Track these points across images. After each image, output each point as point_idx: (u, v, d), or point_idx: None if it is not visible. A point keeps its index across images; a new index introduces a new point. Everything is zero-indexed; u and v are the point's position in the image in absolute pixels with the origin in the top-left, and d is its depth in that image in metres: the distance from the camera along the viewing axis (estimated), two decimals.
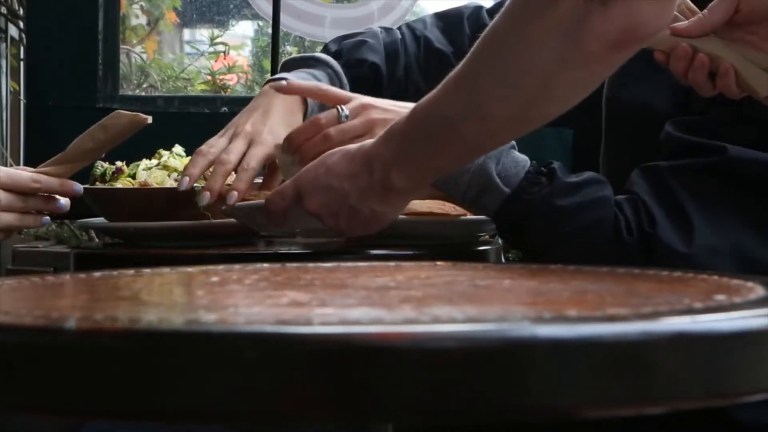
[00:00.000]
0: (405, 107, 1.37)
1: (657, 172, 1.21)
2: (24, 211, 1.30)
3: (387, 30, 1.70)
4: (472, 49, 0.98)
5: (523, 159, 1.25)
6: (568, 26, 0.90)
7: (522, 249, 1.37)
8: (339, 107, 1.41)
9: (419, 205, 1.48)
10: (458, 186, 1.25)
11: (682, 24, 1.16)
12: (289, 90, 1.53)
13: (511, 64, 0.94)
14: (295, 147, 1.39)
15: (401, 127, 1.07)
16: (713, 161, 1.18)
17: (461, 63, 0.99)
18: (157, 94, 3.84)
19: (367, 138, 1.37)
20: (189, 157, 1.67)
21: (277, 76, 1.58)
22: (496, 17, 0.95)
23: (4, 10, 4.00)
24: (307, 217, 1.18)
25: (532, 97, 0.96)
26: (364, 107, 1.41)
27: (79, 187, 1.34)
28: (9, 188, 1.28)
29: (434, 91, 1.02)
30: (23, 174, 1.30)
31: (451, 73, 1.00)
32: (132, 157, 1.69)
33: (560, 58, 0.92)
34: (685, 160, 1.20)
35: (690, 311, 0.62)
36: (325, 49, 1.70)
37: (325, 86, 1.52)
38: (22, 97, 3.93)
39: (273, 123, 1.52)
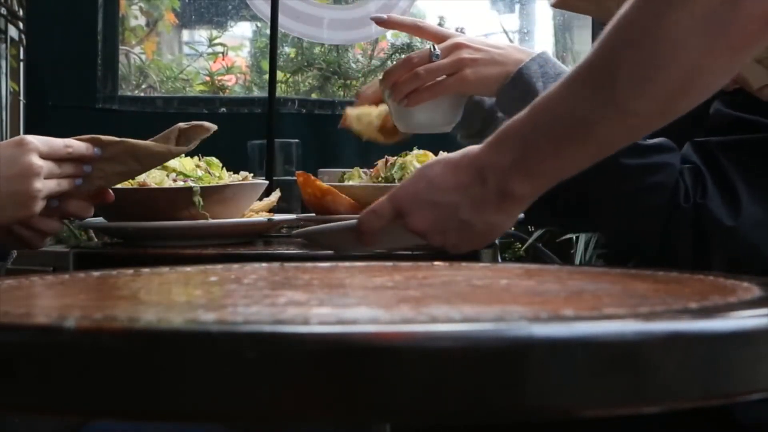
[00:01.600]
0: (498, 47, 1.40)
1: (708, 147, 1.21)
2: (60, 177, 1.33)
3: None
4: (601, 42, 0.92)
5: None
6: (719, 11, 0.85)
7: (567, 211, 1.31)
8: (432, 46, 1.41)
9: None
10: None
11: None
12: (387, 23, 1.52)
13: (652, 57, 0.88)
14: (389, 84, 1.41)
15: (518, 131, 0.99)
16: (762, 137, 1.18)
17: (589, 57, 0.93)
18: (156, 94, 3.84)
19: (454, 77, 1.39)
20: (188, 158, 1.68)
21: None
22: (627, 7, 0.90)
23: (3, 11, 4.00)
24: (403, 236, 1.10)
25: (676, 91, 0.90)
26: (456, 46, 1.40)
27: (99, 150, 1.36)
28: (47, 156, 1.30)
29: (557, 89, 0.95)
30: (57, 141, 1.33)
31: (577, 69, 0.94)
32: None
33: (708, 47, 0.87)
34: (735, 137, 1.20)
35: (686, 311, 0.62)
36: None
37: (423, 22, 1.50)
38: (21, 97, 3.93)
39: None
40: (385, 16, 1.50)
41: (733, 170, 1.19)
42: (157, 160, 1.43)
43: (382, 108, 1.54)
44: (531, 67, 1.34)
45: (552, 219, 1.39)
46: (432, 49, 1.39)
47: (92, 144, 1.36)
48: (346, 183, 1.63)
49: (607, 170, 1.16)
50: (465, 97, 1.42)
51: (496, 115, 1.45)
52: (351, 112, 1.56)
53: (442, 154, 1.14)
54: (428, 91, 1.39)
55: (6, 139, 3.86)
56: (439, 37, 1.44)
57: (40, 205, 1.29)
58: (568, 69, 1.32)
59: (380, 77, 1.46)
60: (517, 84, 1.34)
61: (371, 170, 1.66)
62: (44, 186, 1.30)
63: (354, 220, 1.13)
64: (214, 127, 1.45)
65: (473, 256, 1.55)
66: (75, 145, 1.34)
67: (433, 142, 1.82)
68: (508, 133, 1.00)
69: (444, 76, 1.38)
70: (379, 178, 1.60)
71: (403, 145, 1.67)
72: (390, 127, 1.54)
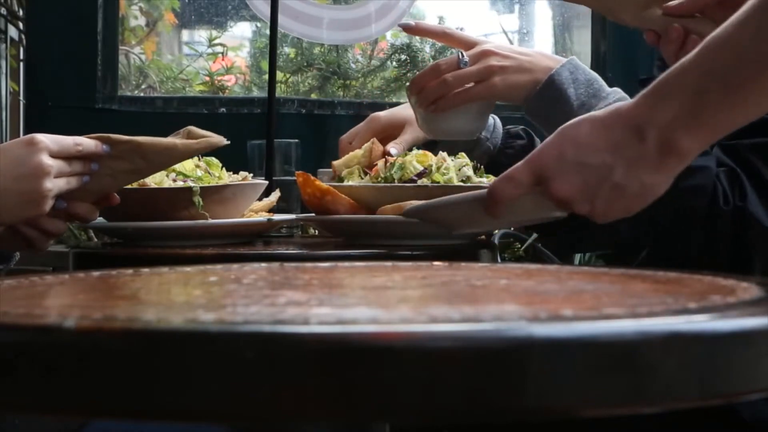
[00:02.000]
0: (526, 54, 1.41)
1: (739, 149, 1.21)
2: (70, 175, 1.34)
3: None
4: None
5: None
6: None
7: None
8: (460, 53, 1.41)
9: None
10: None
11: (675, 2, 1.15)
12: (415, 30, 1.52)
13: None
14: (416, 90, 1.41)
15: (685, 79, 0.90)
16: None
17: None
18: (155, 94, 3.84)
19: (483, 85, 1.39)
20: (187, 158, 1.68)
21: None
22: None
23: (3, 11, 3.99)
24: (538, 206, 1.02)
25: None
26: (484, 54, 1.40)
27: (107, 147, 1.37)
28: (57, 155, 1.31)
29: (732, 27, 0.87)
30: (67, 139, 1.34)
31: (753, 4, 0.86)
32: None
33: None
34: (765, 138, 1.20)
35: (685, 311, 0.62)
36: None
37: (450, 29, 1.50)
38: (21, 97, 3.93)
39: None
40: (412, 22, 1.51)
41: (767, 171, 1.19)
42: (165, 156, 1.42)
43: (365, 146, 1.61)
44: (562, 73, 1.33)
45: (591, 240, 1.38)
46: (460, 56, 1.39)
47: (101, 142, 1.37)
48: (345, 183, 1.63)
49: None
50: (492, 105, 1.42)
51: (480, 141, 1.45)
52: (337, 163, 1.64)
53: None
54: (456, 98, 1.39)
55: (6, 139, 3.86)
56: (467, 44, 1.43)
57: (49, 204, 1.30)
58: (596, 75, 1.32)
59: (369, 120, 1.49)
60: (547, 91, 1.34)
61: (371, 170, 1.66)
62: (54, 185, 1.30)
63: (481, 191, 1.04)
64: (223, 141, 1.46)
65: (473, 256, 1.56)
66: (85, 143, 1.35)
67: (430, 143, 1.83)
68: (670, 83, 0.91)
69: (472, 84, 1.38)
70: (379, 178, 1.60)
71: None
72: (376, 158, 1.60)
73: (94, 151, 1.36)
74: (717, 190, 1.19)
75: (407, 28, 1.51)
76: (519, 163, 1.01)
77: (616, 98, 1.31)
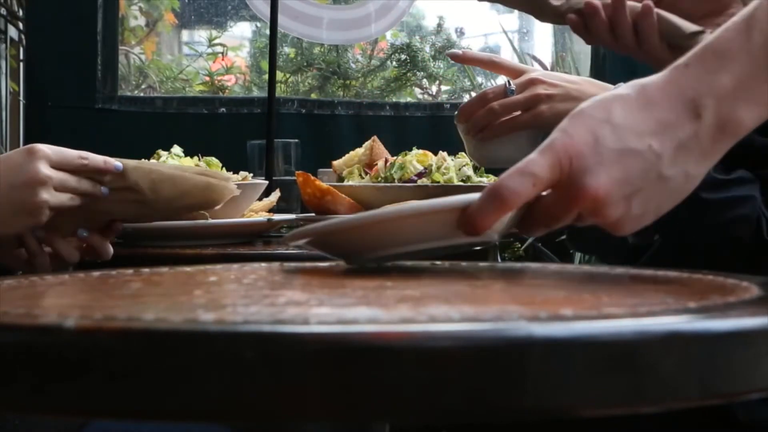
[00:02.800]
0: (573, 82, 1.39)
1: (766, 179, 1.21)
2: (75, 192, 1.29)
3: None
4: None
5: None
6: None
7: (669, 239, 1.29)
8: (508, 81, 1.40)
9: None
10: None
11: None
12: (462, 59, 1.53)
13: None
14: (464, 119, 1.40)
15: (740, 43, 0.77)
16: None
17: None
18: (155, 94, 3.84)
19: (530, 113, 1.36)
20: (187, 158, 1.68)
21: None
22: None
23: (3, 11, 4.00)
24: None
25: None
26: (531, 82, 1.39)
27: (119, 165, 1.29)
28: (58, 166, 1.27)
29: None
30: (71, 151, 1.29)
31: None
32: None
33: None
34: None
35: (685, 311, 0.62)
36: None
37: (500, 58, 1.50)
38: (21, 97, 3.93)
39: None
40: (460, 51, 1.50)
41: None
42: (171, 185, 1.33)
43: (366, 145, 1.65)
44: None
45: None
46: (507, 84, 1.39)
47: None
48: (345, 183, 1.63)
49: (689, 206, 1.07)
50: (542, 133, 1.41)
51: None
52: (337, 163, 1.67)
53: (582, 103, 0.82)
54: (503, 126, 1.38)
55: (6, 139, 3.84)
56: (514, 72, 1.43)
57: (46, 215, 1.26)
58: None
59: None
60: None
61: (371, 170, 1.66)
62: (53, 197, 1.26)
63: (467, 195, 0.82)
64: (234, 191, 1.39)
65: (473, 256, 1.56)
66: (91, 157, 1.30)
67: (430, 143, 1.83)
68: (722, 48, 0.78)
69: (519, 112, 1.37)
70: (379, 178, 1.60)
71: (398, 146, 1.68)
72: (377, 158, 1.61)
73: (103, 168, 1.30)
74: (761, 221, 1.18)
75: (455, 57, 1.51)
76: (533, 155, 0.80)
77: None
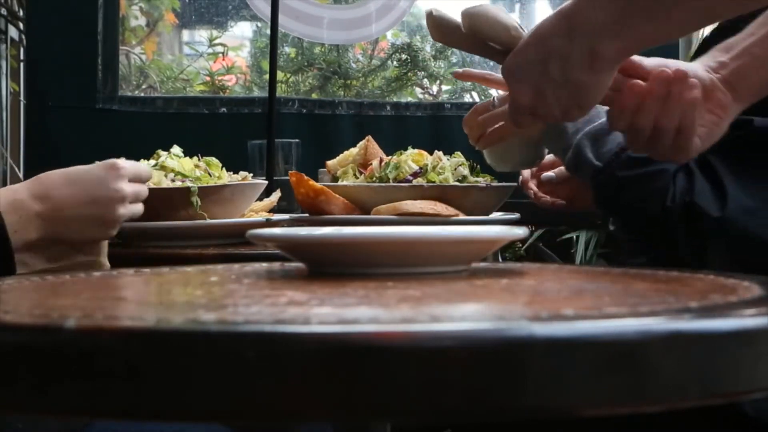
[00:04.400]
0: None
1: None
2: (138, 201, 1.36)
3: None
4: None
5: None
6: None
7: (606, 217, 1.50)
8: (496, 94, 1.57)
9: (411, 205, 1.48)
10: (564, 159, 1.41)
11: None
12: (463, 76, 1.68)
13: None
14: (465, 130, 1.53)
15: None
16: (743, 133, 1.25)
17: None
18: (156, 94, 3.84)
19: (508, 123, 1.49)
20: (187, 158, 1.68)
21: None
22: None
23: (4, 11, 4.00)
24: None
25: None
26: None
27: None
28: (134, 180, 1.34)
29: None
30: (144, 166, 1.39)
31: None
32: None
33: None
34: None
35: (687, 311, 0.62)
36: None
37: (492, 75, 1.61)
38: (21, 97, 3.93)
39: None
40: (461, 70, 1.65)
41: (720, 167, 1.27)
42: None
43: (360, 145, 1.66)
44: None
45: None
46: (493, 99, 1.52)
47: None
48: (340, 183, 1.63)
49: (607, 184, 1.33)
50: (537, 138, 1.49)
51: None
52: (331, 163, 1.69)
53: None
54: (491, 136, 1.49)
55: (6, 139, 3.84)
56: (504, 86, 1.53)
57: (118, 229, 1.32)
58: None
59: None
60: (554, 126, 1.43)
61: (365, 169, 1.66)
62: (127, 210, 1.32)
63: (433, 228, 1.01)
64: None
65: None
66: (148, 170, 1.40)
67: (431, 143, 1.83)
68: None
69: (502, 123, 1.48)
70: (374, 178, 1.60)
71: (399, 146, 1.68)
72: (371, 157, 1.61)
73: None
74: (668, 190, 1.28)
75: (457, 75, 1.68)
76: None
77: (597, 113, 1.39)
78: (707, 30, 1.32)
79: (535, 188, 1.67)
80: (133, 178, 1.33)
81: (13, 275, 1.15)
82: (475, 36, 1.19)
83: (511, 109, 1.12)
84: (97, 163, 1.32)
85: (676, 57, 2.99)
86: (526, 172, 1.68)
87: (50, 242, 1.27)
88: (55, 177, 1.28)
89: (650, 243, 1.36)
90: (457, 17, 1.21)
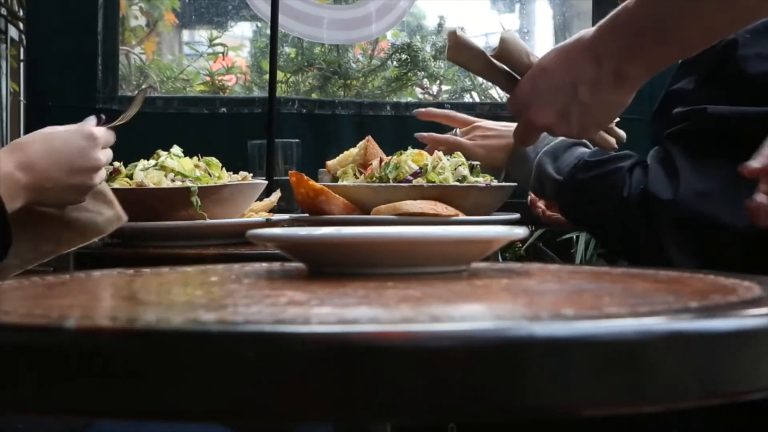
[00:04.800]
0: (509, 126, 1.66)
1: (660, 141, 1.37)
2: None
3: None
4: None
5: (582, 153, 1.45)
6: None
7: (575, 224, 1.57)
8: (455, 130, 1.76)
9: (411, 205, 1.48)
10: (528, 181, 1.50)
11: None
12: (425, 116, 1.85)
13: None
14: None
15: (628, 18, 1.07)
16: (696, 120, 1.32)
17: None
18: (156, 94, 3.84)
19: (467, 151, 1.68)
20: (187, 158, 1.68)
21: None
22: None
23: (4, 11, 4.00)
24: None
25: None
26: (473, 128, 1.73)
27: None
28: (106, 146, 1.40)
29: None
30: (112, 134, 1.44)
31: None
32: (130, 158, 1.69)
33: None
34: (677, 126, 1.35)
35: (687, 311, 0.62)
36: None
37: (453, 113, 1.82)
38: (21, 97, 3.93)
39: None
40: (422, 110, 1.85)
41: (675, 153, 1.32)
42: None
43: (360, 145, 1.68)
44: None
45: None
46: (454, 132, 1.74)
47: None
48: (340, 183, 1.62)
49: (568, 188, 1.41)
50: (499, 166, 1.67)
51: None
52: (331, 163, 1.72)
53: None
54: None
55: (6, 139, 3.85)
56: (464, 123, 1.76)
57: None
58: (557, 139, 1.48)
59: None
60: (516, 152, 1.55)
61: (365, 169, 1.65)
62: (99, 178, 1.38)
63: (431, 228, 1.07)
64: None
65: None
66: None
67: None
68: (618, 21, 1.08)
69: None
70: (374, 178, 1.59)
71: (399, 146, 1.68)
72: (371, 157, 1.62)
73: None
74: (624, 183, 1.35)
75: (418, 115, 1.85)
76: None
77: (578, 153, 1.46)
78: None
79: (543, 207, 1.72)
80: (105, 145, 1.38)
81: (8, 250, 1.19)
82: (492, 61, 1.26)
83: (522, 129, 1.20)
84: (74, 128, 1.36)
85: None
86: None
87: (29, 209, 1.33)
88: (36, 146, 1.32)
89: (610, 239, 1.43)
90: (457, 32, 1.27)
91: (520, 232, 0.89)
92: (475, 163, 1.64)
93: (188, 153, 1.71)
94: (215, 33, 4.04)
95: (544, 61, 1.16)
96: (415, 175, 1.57)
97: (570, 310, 0.63)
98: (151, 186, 1.59)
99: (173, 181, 1.62)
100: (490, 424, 1.21)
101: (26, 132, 3.53)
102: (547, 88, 1.15)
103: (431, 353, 0.53)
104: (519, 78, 1.23)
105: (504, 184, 1.62)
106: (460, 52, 1.26)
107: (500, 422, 1.18)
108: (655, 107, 1.46)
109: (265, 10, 3.08)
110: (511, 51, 1.24)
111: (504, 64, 1.25)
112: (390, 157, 1.62)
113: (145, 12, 4.18)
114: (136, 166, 1.66)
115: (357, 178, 1.64)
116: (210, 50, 4.02)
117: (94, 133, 1.35)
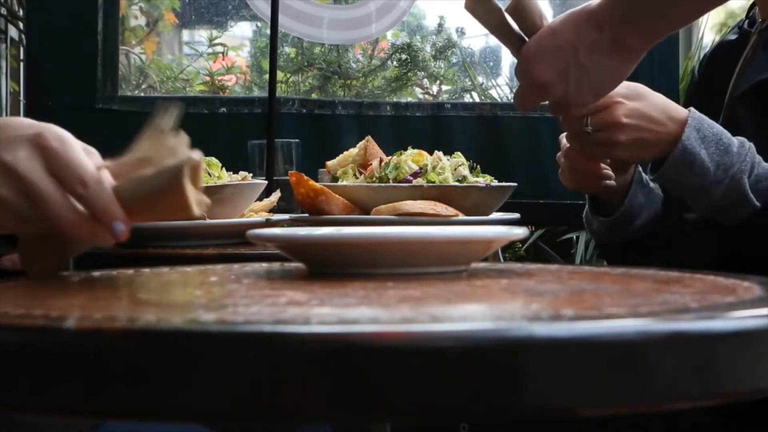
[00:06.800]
0: (653, 120, 1.52)
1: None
2: None
3: None
4: None
5: None
6: None
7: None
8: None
9: (411, 205, 1.48)
10: (707, 197, 1.33)
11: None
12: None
13: None
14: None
15: None
16: None
17: None
18: (155, 94, 3.84)
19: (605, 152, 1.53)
20: None
21: None
22: None
23: (4, 11, 4.00)
24: None
25: None
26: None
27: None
28: None
29: None
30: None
31: None
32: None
33: None
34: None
35: (686, 311, 0.62)
36: None
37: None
38: (21, 97, 3.93)
39: None
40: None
41: None
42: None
43: (360, 145, 1.67)
44: (690, 136, 1.35)
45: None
46: (586, 121, 1.41)
47: None
48: (340, 183, 1.62)
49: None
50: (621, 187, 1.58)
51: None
52: (331, 163, 1.70)
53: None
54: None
55: None
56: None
57: None
58: (720, 127, 1.37)
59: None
60: (680, 159, 1.35)
61: (365, 170, 1.65)
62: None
63: (430, 228, 1.00)
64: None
65: None
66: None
67: (431, 143, 1.82)
68: None
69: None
70: (374, 178, 1.59)
71: (399, 146, 1.68)
72: (371, 157, 1.62)
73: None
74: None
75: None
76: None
77: (747, 150, 1.34)
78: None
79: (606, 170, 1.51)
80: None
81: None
82: (508, 20, 1.28)
83: (522, 89, 1.26)
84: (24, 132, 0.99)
85: (676, 55, 3.00)
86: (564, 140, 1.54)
87: None
88: None
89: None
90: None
91: (520, 232, 0.89)
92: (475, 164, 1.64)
93: None
94: (215, 33, 4.05)
95: (553, 23, 1.22)
96: (415, 175, 1.57)
97: (570, 310, 0.63)
98: None
99: None
100: (502, 424, 1.21)
101: None
102: (551, 47, 1.20)
103: (431, 353, 0.53)
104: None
105: (504, 184, 1.62)
106: (478, 3, 1.27)
107: (512, 422, 1.18)
108: (738, 93, 1.44)
109: (265, 10, 3.08)
110: (525, 8, 1.26)
111: (517, 22, 1.27)
112: (390, 157, 1.62)
113: (145, 12, 4.18)
114: None
115: (357, 178, 1.64)
116: (210, 50, 4.03)
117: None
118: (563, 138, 1.48)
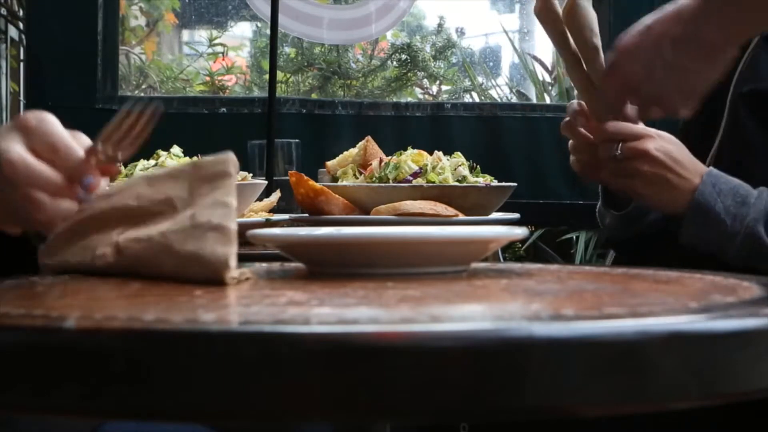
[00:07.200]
0: (677, 165, 1.46)
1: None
2: None
3: None
4: None
5: None
6: None
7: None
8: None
9: (410, 205, 1.48)
10: (730, 250, 1.31)
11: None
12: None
13: None
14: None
15: None
16: None
17: None
18: (155, 94, 3.84)
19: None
20: (187, 158, 1.68)
21: None
22: None
23: (4, 11, 4.00)
24: None
25: None
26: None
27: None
28: None
29: None
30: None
31: None
32: (130, 158, 1.69)
33: None
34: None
35: (686, 311, 0.62)
36: None
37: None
38: (21, 97, 3.93)
39: None
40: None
41: None
42: None
43: (359, 145, 1.66)
44: (705, 191, 1.34)
45: None
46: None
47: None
48: (339, 183, 1.62)
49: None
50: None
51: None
52: (331, 163, 1.69)
53: None
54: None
55: None
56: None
57: None
58: (737, 180, 1.35)
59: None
60: (697, 215, 1.34)
61: (365, 170, 1.65)
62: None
63: (432, 228, 1.01)
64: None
65: None
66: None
67: (431, 143, 1.82)
68: None
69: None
70: (374, 178, 1.59)
71: (399, 146, 1.68)
72: (371, 158, 1.61)
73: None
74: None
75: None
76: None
77: (765, 199, 1.33)
78: None
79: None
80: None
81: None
82: (567, 34, 1.28)
83: (609, 93, 1.25)
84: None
85: None
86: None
87: None
88: None
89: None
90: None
91: (520, 232, 0.89)
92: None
93: (188, 153, 1.71)
94: (215, 33, 4.05)
95: (649, 19, 1.20)
96: (415, 175, 1.57)
97: (570, 311, 0.63)
98: None
99: None
100: (502, 424, 1.21)
101: None
102: (645, 44, 1.19)
103: (431, 353, 0.53)
104: (582, 60, 1.26)
105: (504, 184, 1.62)
106: (546, 6, 1.29)
107: (512, 422, 1.18)
108: (740, 92, 1.42)
109: (265, 10, 3.08)
110: (578, 16, 1.26)
111: (570, 28, 1.27)
112: (390, 157, 1.61)
113: (145, 12, 4.19)
114: (135, 166, 1.65)
115: (357, 178, 1.64)
116: (210, 50, 4.03)
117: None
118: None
